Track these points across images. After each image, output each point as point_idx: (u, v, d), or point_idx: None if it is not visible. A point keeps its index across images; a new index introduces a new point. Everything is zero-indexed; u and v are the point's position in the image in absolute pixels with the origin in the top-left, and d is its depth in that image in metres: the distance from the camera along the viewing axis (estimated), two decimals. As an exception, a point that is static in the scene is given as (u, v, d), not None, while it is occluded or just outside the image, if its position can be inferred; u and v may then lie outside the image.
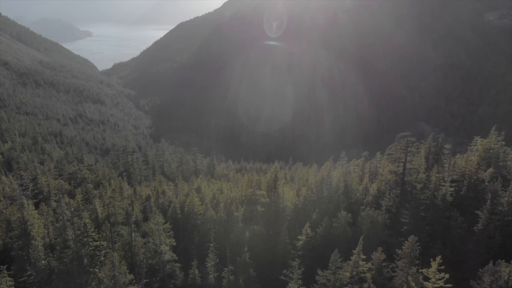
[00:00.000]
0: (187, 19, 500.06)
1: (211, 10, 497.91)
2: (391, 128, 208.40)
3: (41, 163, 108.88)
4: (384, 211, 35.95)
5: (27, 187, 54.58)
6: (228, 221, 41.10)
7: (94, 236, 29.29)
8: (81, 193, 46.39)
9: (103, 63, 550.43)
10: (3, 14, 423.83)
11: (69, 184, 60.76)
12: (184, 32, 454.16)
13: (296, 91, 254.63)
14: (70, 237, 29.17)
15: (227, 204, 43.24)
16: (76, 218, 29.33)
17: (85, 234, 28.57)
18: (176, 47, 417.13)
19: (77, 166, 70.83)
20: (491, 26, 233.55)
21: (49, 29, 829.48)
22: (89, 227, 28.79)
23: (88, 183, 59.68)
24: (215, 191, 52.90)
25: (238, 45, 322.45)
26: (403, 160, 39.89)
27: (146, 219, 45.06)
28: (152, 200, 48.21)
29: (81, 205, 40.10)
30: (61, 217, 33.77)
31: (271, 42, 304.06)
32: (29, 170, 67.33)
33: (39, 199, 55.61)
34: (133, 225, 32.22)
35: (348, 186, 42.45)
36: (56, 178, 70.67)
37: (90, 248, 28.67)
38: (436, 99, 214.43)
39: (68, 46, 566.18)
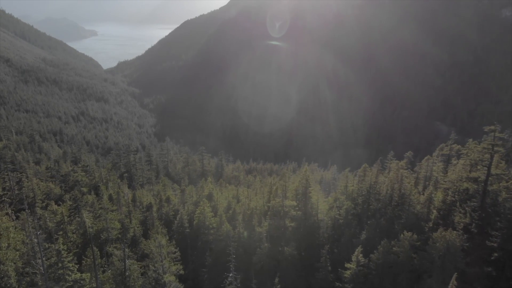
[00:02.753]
0: (193, 17, 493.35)
1: (217, 8, 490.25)
2: (405, 127, 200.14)
3: (37, 162, 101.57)
4: (460, 231, 27.59)
5: (8, 191, 47.01)
6: (249, 239, 33.00)
7: (71, 269, 21.33)
8: (71, 199, 38.53)
9: (108, 62, 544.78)
10: (7, 13, 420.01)
11: (61, 187, 53.09)
12: (190, 30, 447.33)
13: (300, 90, 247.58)
14: (38, 271, 21.22)
15: (246, 216, 35.17)
16: (46, 244, 21.25)
17: (60, 265, 20.61)
18: (181, 45, 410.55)
19: (71, 167, 63.18)
20: (508, 21, 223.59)
21: (54, 28, 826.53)
22: (64, 255, 20.83)
23: (81, 187, 51.90)
24: (230, 199, 44.47)
25: (243, 43, 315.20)
26: (486, 162, 30.67)
27: (146, 233, 37.16)
28: (155, 209, 40.13)
29: (65, 218, 32.19)
30: (29, 239, 25.76)
31: (274, 42, 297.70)
32: (17, 171, 59.84)
33: (24, 206, 48.02)
34: (127, 249, 24.28)
35: (404, 196, 33.64)
36: (48, 181, 63.02)
37: (67, 284, 20.76)
38: (452, 97, 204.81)
39: (73, 45, 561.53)
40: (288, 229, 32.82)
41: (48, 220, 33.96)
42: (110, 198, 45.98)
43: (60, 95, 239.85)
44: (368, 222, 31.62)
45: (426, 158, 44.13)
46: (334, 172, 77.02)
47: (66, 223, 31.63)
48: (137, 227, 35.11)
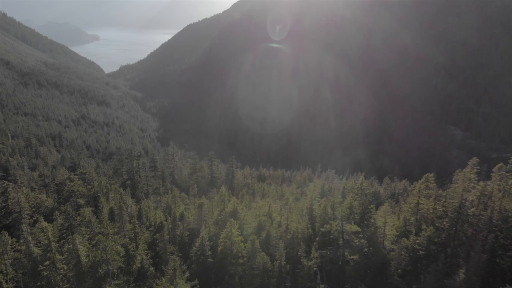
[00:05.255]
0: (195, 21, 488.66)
1: (220, 12, 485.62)
2: (418, 132, 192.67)
3: (33, 168, 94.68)
4: None
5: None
6: (294, 275, 25.60)
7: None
8: (63, 216, 31.34)
9: (110, 67, 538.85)
10: (9, 16, 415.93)
11: (54, 199, 45.92)
12: (192, 34, 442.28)
13: (303, 93, 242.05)
14: None
15: (285, 241, 27.83)
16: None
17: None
18: (184, 49, 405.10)
19: (67, 174, 56.07)
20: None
21: (56, 32, 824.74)
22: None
23: (78, 198, 44.70)
24: (261, 216, 36.64)
25: (246, 46, 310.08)
26: None
27: (155, 259, 29.87)
28: (167, 230, 32.76)
29: (54, 244, 24.97)
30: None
31: (274, 45, 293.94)
32: (4, 180, 52.77)
33: (9, 221, 40.85)
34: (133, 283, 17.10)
35: (509, 219, 25.51)
36: (40, 189, 55.88)
37: None
38: (466, 101, 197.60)
39: (75, 49, 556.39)
40: (348, 263, 25.24)
41: (31, 245, 26.69)
42: (111, 212, 38.73)
43: (60, 98, 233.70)
44: (462, 254, 23.89)
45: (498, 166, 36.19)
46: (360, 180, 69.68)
47: (54, 251, 24.51)
48: (145, 255, 27.86)
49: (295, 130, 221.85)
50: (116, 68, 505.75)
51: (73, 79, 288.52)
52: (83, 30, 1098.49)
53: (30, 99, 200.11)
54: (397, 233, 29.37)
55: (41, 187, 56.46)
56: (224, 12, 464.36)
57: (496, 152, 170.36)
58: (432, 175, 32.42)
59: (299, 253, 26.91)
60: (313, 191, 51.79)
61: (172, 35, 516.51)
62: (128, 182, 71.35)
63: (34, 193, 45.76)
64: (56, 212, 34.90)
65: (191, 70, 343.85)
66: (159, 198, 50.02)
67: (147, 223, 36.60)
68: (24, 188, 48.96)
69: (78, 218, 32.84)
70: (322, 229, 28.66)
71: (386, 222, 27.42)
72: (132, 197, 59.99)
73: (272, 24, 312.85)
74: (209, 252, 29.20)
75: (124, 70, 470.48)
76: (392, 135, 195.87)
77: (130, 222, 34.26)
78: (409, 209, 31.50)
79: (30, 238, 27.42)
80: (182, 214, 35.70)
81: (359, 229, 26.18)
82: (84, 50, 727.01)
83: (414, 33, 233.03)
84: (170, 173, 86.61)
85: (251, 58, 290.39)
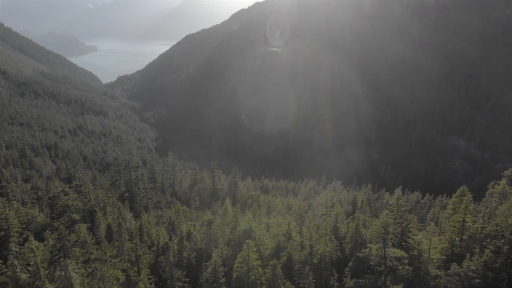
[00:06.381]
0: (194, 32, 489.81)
1: (218, 22, 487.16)
2: (420, 142, 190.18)
3: (26, 180, 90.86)
4: None
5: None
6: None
7: None
8: (55, 236, 27.79)
9: (107, 77, 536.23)
10: (6, 26, 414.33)
11: (46, 214, 42.31)
12: (191, 44, 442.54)
13: (303, 103, 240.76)
14: None
15: (312, 266, 24.36)
16: None
17: None
18: (182, 59, 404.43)
19: (62, 186, 52.53)
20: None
21: (54, 43, 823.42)
22: None
23: (72, 213, 41.12)
24: (280, 235, 32.89)
25: (245, 56, 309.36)
26: None
27: (160, 284, 26.35)
28: (172, 253, 29.17)
29: (43, 270, 21.51)
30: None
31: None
32: (-7, 193, 49.34)
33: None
34: None
35: None
36: (33, 203, 52.26)
37: None
38: (468, 110, 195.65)
39: (73, 60, 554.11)
40: (389, 291, 21.61)
41: (18, 270, 23.18)
42: (109, 229, 35.17)
43: (57, 108, 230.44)
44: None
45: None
46: (369, 193, 66.14)
47: (43, 279, 21.03)
48: (149, 283, 24.15)
49: (295, 140, 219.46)
50: (113, 79, 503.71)
51: (70, 89, 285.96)
52: (81, 41, 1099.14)
53: (26, 109, 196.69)
54: (444, 257, 25.75)
55: (34, 201, 52.88)
56: (223, 23, 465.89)
57: (500, 163, 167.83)
58: (467, 188, 29.23)
59: (331, 281, 23.42)
60: (325, 204, 48.33)
61: (170, 46, 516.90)
62: (126, 194, 67.77)
63: (25, 208, 42.17)
64: (47, 231, 31.34)
65: (189, 80, 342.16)
66: (160, 212, 46.49)
67: (149, 241, 33.07)
68: (14, 202, 45.35)
69: (72, 236, 29.31)
70: (359, 254, 24.96)
71: (432, 244, 23.99)
72: (130, 210, 56.37)
73: (271, 30, 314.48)
74: (223, 278, 25.49)
75: (122, 80, 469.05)
76: (393, 145, 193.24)
77: (130, 241, 30.79)
78: (454, 228, 27.78)
79: (16, 262, 23.87)
80: (189, 233, 31.97)
81: (405, 254, 22.62)
82: (82, 61, 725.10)
83: (415, 42, 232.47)
84: (170, 184, 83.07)
85: (250, 67, 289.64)
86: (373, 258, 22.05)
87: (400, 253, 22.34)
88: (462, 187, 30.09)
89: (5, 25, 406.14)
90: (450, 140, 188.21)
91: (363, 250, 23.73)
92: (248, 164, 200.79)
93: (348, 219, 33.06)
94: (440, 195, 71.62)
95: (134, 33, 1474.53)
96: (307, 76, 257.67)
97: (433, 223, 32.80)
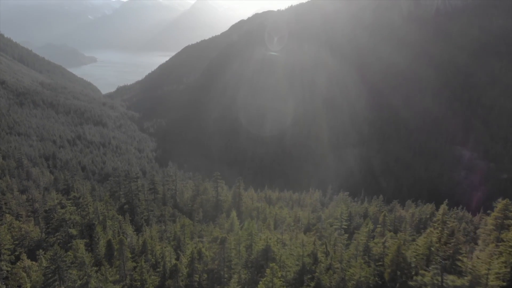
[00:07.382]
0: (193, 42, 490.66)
1: (218, 33, 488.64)
2: (424, 152, 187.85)
3: (23, 191, 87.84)
4: None
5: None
6: None
7: None
8: (48, 257, 24.95)
9: (107, 88, 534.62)
10: (6, 37, 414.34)
11: (41, 229, 39.44)
12: (191, 55, 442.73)
13: (303, 112, 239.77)
14: None
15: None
16: None
17: None
18: (182, 70, 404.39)
19: (59, 198, 49.69)
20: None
21: (54, 54, 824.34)
22: None
23: (70, 228, 38.28)
24: (305, 257, 29.48)
25: (244, 64, 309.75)
26: None
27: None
28: (182, 276, 26.24)
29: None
30: None
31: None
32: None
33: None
34: None
35: None
36: (28, 216, 49.38)
37: None
38: (471, 120, 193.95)
39: (72, 71, 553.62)
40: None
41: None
42: (109, 245, 32.32)
43: (56, 118, 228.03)
44: None
45: None
46: (380, 205, 63.45)
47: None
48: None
49: (297, 150, 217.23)
50: (113, 89, 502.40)
51: (69, 99, 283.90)
52: (81, 52, 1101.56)
53: (25, 118, 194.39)
54: (504, 283, 22.63)
55: (29, 213, 49.94)
56: (222, 34, 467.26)
57: (507, 173, 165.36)
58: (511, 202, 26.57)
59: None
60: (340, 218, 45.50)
61: (170, 57, 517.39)
62: (126, 206, 64.89)
63: (19, 222, 39.31)
64: (41, 250, 28.52)
65: (189, 90, 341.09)
66: (164, 227, 43.60)
67: (153, 260, 30.25)
68: (8, 215, 42.45)
69: (69, 254, 26.48)
70: (411, 283, 21.59)
71: (491, 268, 21.04)
72: (131, 224, 53.47)
73: (269, 36, 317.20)
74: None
75: (121, 90, 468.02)
76: (397, 155, 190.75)
77: (132, 260, 28.00)
78: (510, 249, 24.56)
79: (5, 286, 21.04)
80: (200, 252, 28.82)
81: (466, 282, 19.57)
82: (82, 72, 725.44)
83: (418, 52, 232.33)
84: (172, 196, 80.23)
85: (249, 76, 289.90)
86: (427, 285, 19.12)
87: (459, 281, 19.25)
88: (506, 200, 27.34)
89: (5, 36, 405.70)
90: (454, 150, 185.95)
91: (415, 277, 20.66)
92: (249, 174, 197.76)
93: (385, 238, 29.85)
94: (455, 207, 68.76)
95: (134, 44, 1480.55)
96: (305, 86, 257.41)
97: (492, 244, 29.52)
